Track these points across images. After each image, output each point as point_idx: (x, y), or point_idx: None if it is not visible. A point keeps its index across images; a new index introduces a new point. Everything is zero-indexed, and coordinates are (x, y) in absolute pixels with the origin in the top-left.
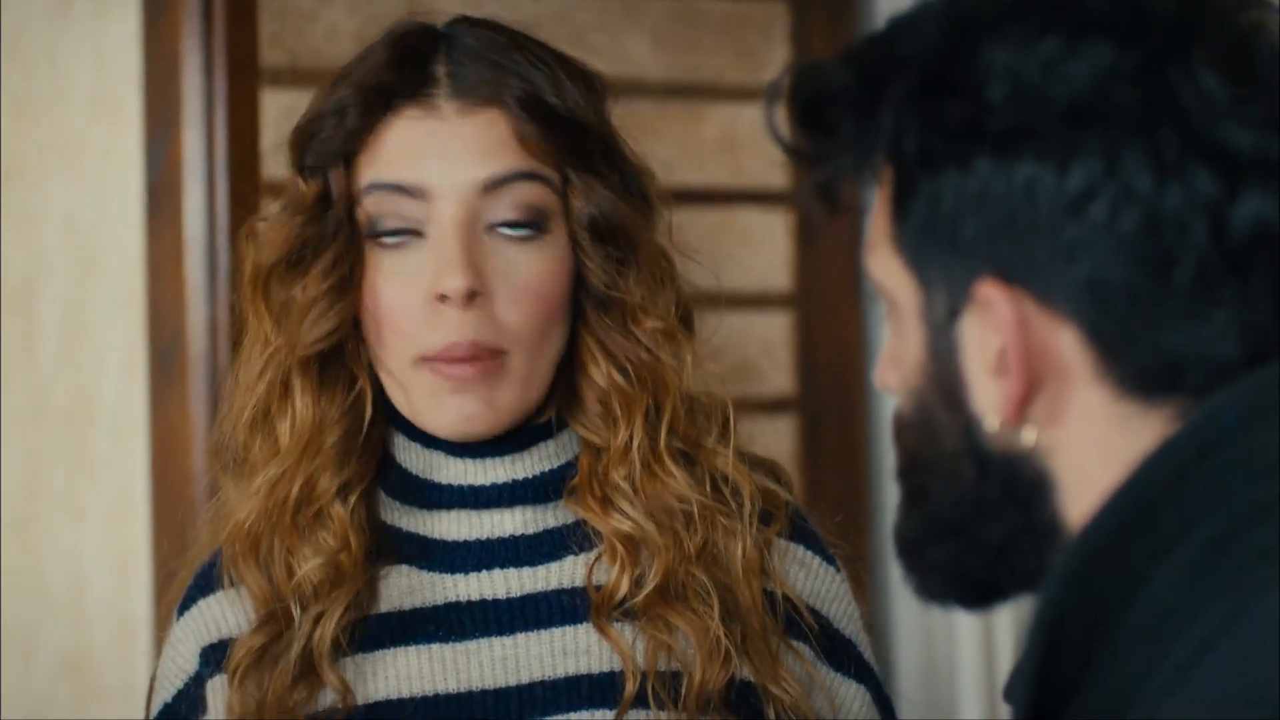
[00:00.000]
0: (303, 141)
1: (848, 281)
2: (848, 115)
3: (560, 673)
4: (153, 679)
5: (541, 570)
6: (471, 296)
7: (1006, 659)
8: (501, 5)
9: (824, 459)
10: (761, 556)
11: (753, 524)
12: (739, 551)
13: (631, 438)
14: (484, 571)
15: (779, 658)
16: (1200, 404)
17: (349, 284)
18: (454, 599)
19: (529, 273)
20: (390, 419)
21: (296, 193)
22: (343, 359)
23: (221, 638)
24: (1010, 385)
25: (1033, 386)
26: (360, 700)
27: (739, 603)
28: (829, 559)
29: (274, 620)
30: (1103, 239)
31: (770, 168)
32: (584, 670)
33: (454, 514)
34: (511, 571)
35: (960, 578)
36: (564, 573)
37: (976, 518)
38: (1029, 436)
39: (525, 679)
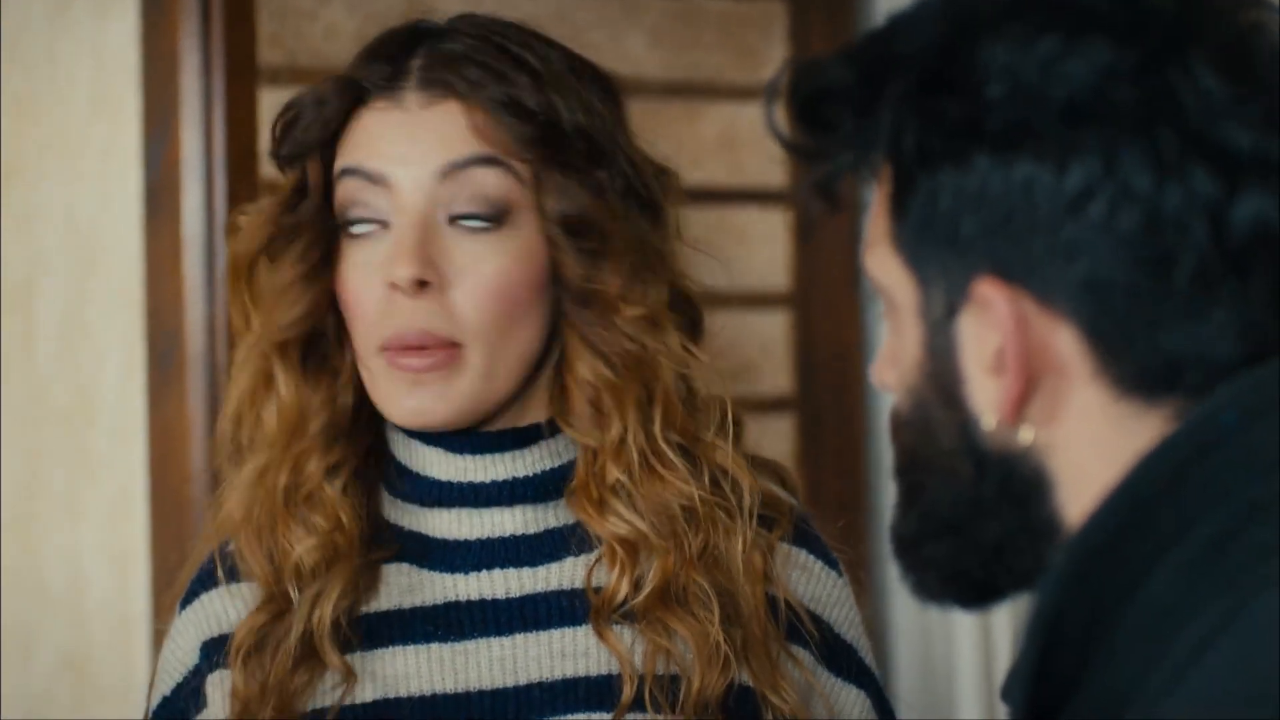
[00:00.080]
0: (282, 132)
1: (846, 281)
2: (847, 113)
3: (558, 674)
4: (153, 674)
5: (541, 571)
6: (422, 286)
7: (1004, 658)
8: (500, 4)
9: (822, 458)
10: (765, 561)
11: (752, 519)
12: (739, 549)
13: (626, 431)
14: (484, 571)
15: (779, 664)
16: (1199, 403)
17: (322, 271)
18: (453, 598)
19: (489, 266)
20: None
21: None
22: (325, 347)
23: (222, 632)
24: (1008, 384)
25: (1031, 385)
26: (359, 699)
27: (740, 607)
28: (831, 563)
29: (274, 602)
30: (1101, 238)
31: (769, 167)
32: (582, 672)
33: (454, 512)
34: (511, 572)
35: (958, 576)
36: (564, 574)
37: (974, 516)
38: (1027, 435)
39: (523, 680)
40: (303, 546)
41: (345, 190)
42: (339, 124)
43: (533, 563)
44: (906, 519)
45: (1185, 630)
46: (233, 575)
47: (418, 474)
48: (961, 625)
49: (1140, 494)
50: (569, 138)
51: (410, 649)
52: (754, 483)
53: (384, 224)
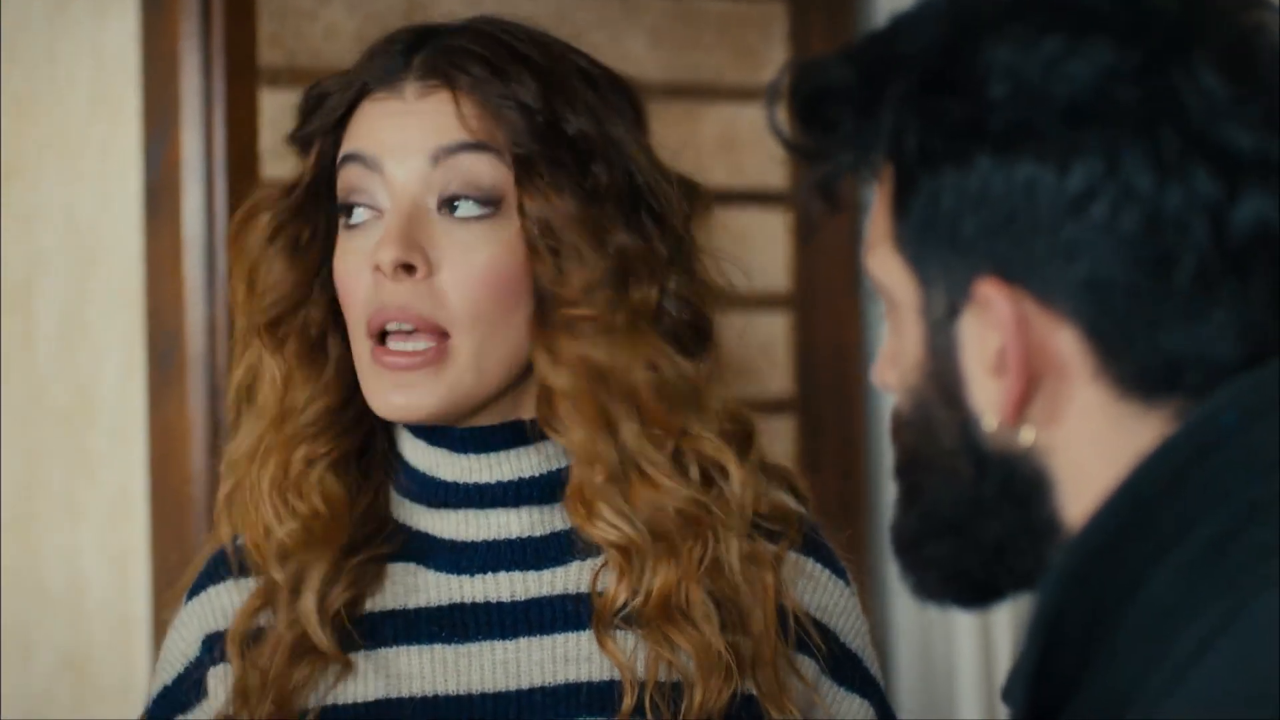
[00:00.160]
0: (297, 121)
1: (846, 282)
2: (848, 113)
3: (560, 679)
4: (156, 662)
5: (547, 575)
6: (408, 270)
7: (1004, 659)
8: (500, 4)
9: (822, 459)
10: (774, 576)
11: (745, 515)
12: (736, 551)
13: (597, 437)
14: (489, 574)
15: (784, 677)
16: (1199, 404)
17: (308, 253)
18: (458, 600)
19: (480, 255)
20: None
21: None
22: (319, 339)
23: (226, 626)
24: (1009, 384)
25: (1031, 386)
26: (360, 697)
27: (746, 617)
28: (839, 572)
29: (269, 591)
30: (1103, 239)
31: (769, 168)
32: (584, 678)
33: (461, 513)
34: (517, 575)
35: (958, 576)
36: (569, 578)
37: (974, 516)
38: (1027, 435)
39: (525, 684)
40: (283, 529)
41: (345, 177)
42: (343, 114)
43: (538, 566)
44: (907, 519)
45: (1185, 631)
46: (243, 570)
47: (425, 475)
48: (962, 625)
49: (1141, 494)
50: (566, 138)
51: (414, 649)
52: (745, 473)
53: (380, 213)
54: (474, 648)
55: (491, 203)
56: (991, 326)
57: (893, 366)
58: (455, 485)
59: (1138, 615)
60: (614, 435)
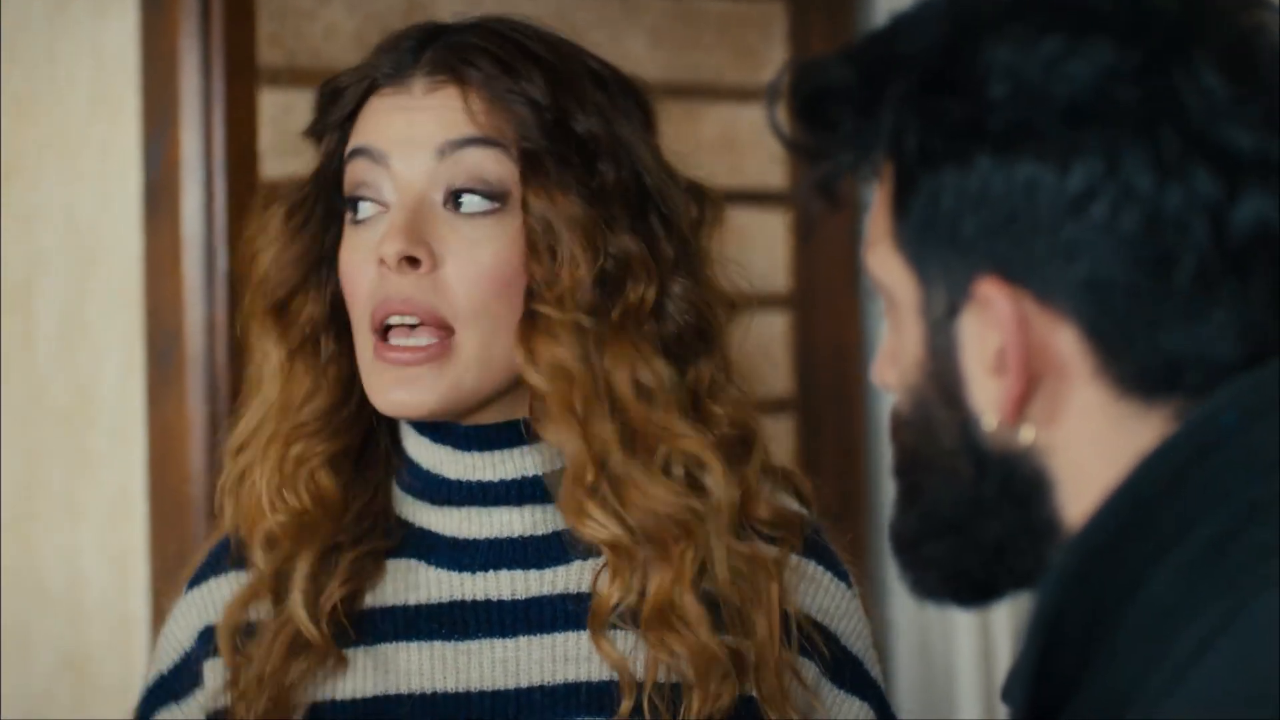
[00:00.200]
0: (310, 123)
1: (846, 282)
2: (848, 112)
3: (560, 679)
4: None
5: (548, 574)
6: (412, 264)
7: (1004, 658)
8: (500, 4)
9: (822, 459)
10: (777, 584)
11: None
12: (732, 550)
13: (580, 439)
14: (490, 571)
15: (785, 681)
16: (1199, 404)
17: (313, 246)
18: (459, 597)
19: (486, 250)
20: None
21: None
22: (317, 332)
23: (213, 622)
24: (1009, 383)
25: (1031, 385)
26: (359, 693)
27: (747, 620)
28: (841, 575)
29: (261, 584)
30: (1103, 239)
31: (769, 168)
32: (584, 677)
33: (464, 511)
34: (518, 573)
35: (958, 576)
36: (570, 577)
37: (974, 516)
38: (1027, 435)
39: (524, 683)
40: (273, 519)
41: (352, 172)
42: (353, 108)
43: (540, 565)
44: (906, 518)
45: (1185, 631)
46: (242, 562)
47: (429, 472)
48: (961, 625)
49: (1141, 494)
50: (574, 136)
51: (413, 645)
52: (730, 474)
53: (386, 207)
54: (474, 645)
55: (497, 198)
56: (991, 326)
57: (892, 365)
58: (459, 483)
59: (1138, 615)
60: (597, 437)
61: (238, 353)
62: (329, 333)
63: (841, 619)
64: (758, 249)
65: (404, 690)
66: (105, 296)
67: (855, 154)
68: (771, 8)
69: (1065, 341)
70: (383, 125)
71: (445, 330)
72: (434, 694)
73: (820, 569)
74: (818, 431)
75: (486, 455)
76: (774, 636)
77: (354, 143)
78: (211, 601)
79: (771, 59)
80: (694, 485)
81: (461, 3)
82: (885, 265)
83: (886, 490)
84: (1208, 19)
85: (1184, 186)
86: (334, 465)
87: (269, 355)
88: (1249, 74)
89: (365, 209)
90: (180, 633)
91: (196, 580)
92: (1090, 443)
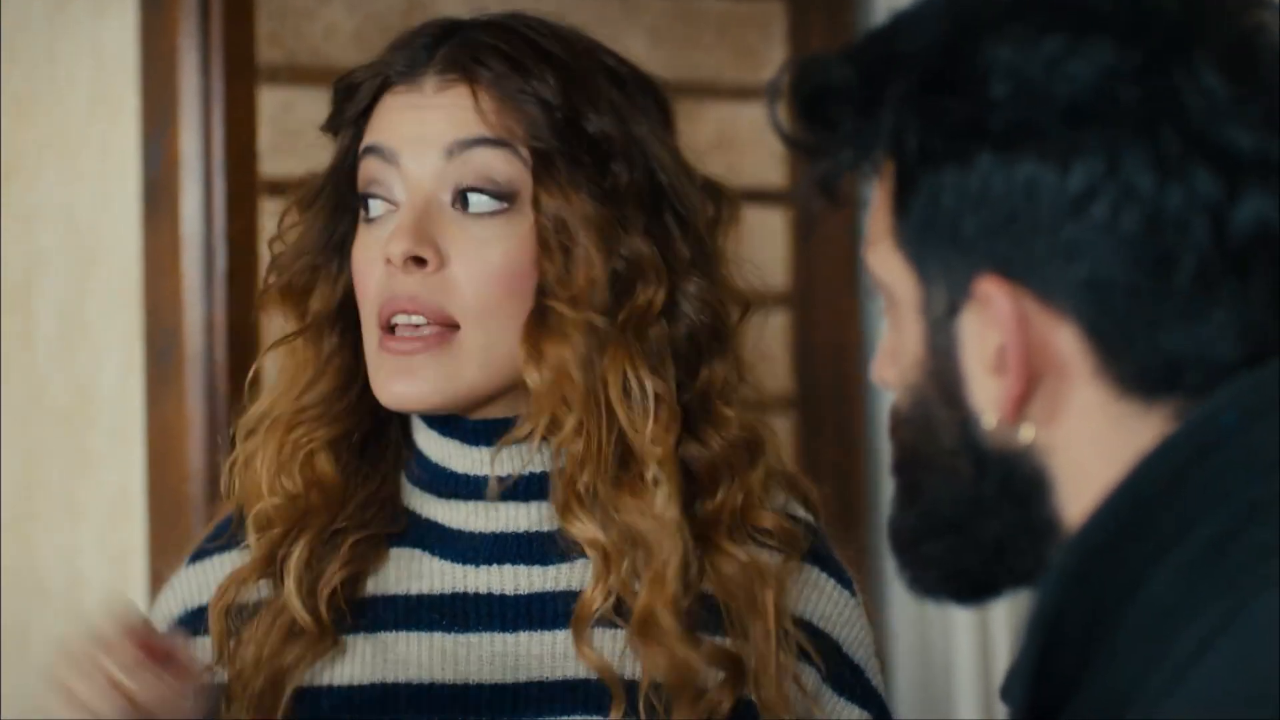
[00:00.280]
0: (327, 118)
1: (846, 280)
2: (848, 111)
3: (558, 675)
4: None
5: (551, 570)
6: (419, 263)
7: (1002, 657)
8: (500, 3)
9: (822, 458)
10: (779, 593)
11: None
12: (731, 556)
13: (581, 444)
14: (494, 565)
15: (784, 688)
16: (1199, 404)
17: (327, 236)
18: (461, 589)
19: (495, 250)
20: None
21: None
22: (327, 320)
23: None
24: (1009, 382)
25: (1031, 384)
26: (356, 680)
27: (747, 625)
28: (845, 583)
29: (258, 565)
30: (1103, 238)
31: (768, 167)
32: (582, 675)
33: (470, 504)
34: (521, 568)
35: (957, 575)
36: (574, 575)
37: (974, 515)
38: (1027, 434)
39: (523, 678)
40: (269, 501)
41: (364, 169)
42: (368, 104)
43: (543, 561)
44: (905, 516)
45: (1185, 631)
46: (242, 539)
47: (437, 465)
48: (960, 623)
49: (1140, 494)
50: (586, 136)
51: (413, 635)
52: (670, 486)
53: (397, 206)
54: (473, 638)
55: (505, 197)
56: (991, 325)
57: (892, 364)
58: (466, 477)
59: (1138, 615)
60: (589, 440)
61: (237, 351)
62: (338, 323)
63: (844, 626)
64: (757, 248)
65: (401, 679)
66: (105, 296)
67: (856, 153)
68: (771, 7)
69: (1065, 341)
70: (394, 123)
71: (450, 326)
72: (431, 684)
73: (824, 576)
74: (817, 430)
75: (494, 450)
76: (771, 643)
77: (366, 140)
78: (209, 580)
79: (771, 58)
80: (692, 491)
81: (461, 2)
82: (885, 264)
83: (886, 489)
84: (1208, 19)
85: (1184, 186)
86: (334, 451)
87: (281, 355)
88: (1249, 74)
89: (376, 207)
90: (173, 605)
91: (198, 555)
92: (1090, 442)
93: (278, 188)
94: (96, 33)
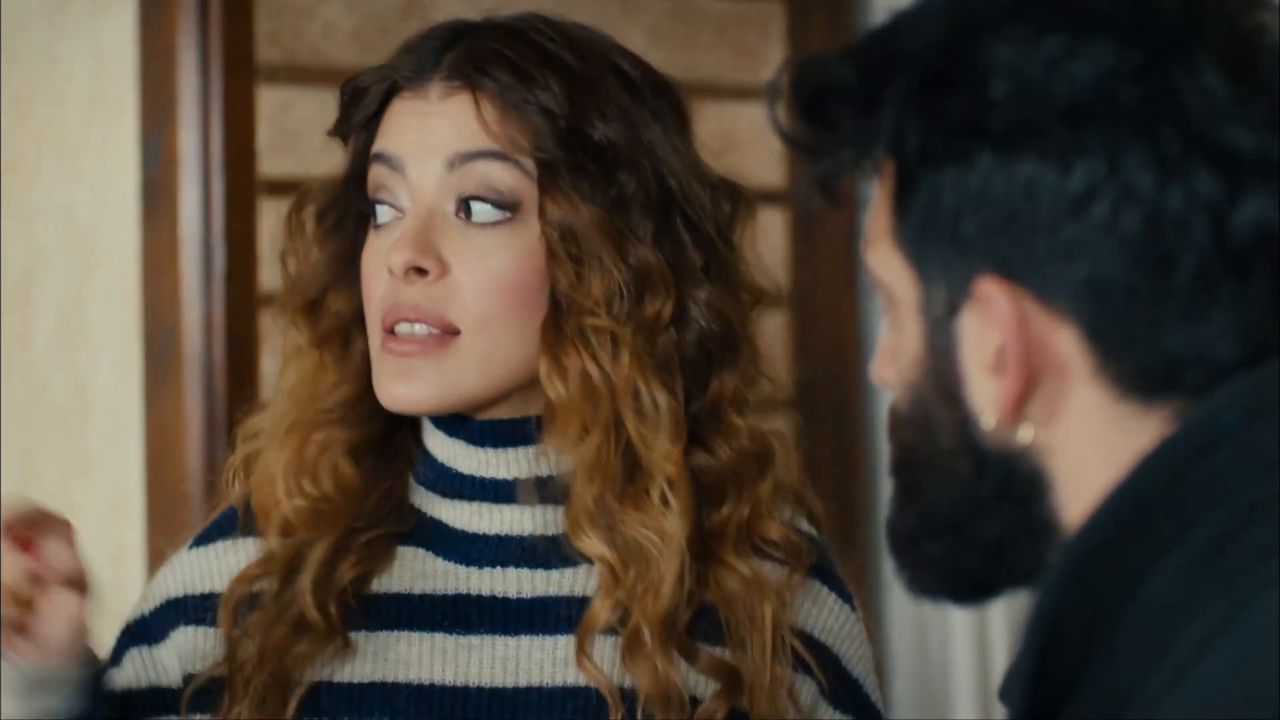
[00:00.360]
0: (335, 123)
1: (845, 281)
2: (848, 111)
3: (559, 681)
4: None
5: (555, 575)
6: (420, 273)
7: (1000, 657)
8: (500, 2)
9: (821, 458)
10: (779, 607)
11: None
12: (734, 569)
13: (590, 454)
14: (498, 568)
15: (780, 702)
16: (1199, 404)
17: (341, 245)
18: (464, 591)
19: (498, 259)
20: None
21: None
22: (346, 328)
23: (212, 589)
24: (1008, 383)
25: (1031, 384)
26: (355, 678)
27: (745, 637)
28: (845, 597)
29: (269, 561)
30: (1103, 238)
31: (767, 167)
32: (583, 682)
33: (475, 505)
34: (525, 572)
35: (956, 575)
36: (577, 580)
37: (973, 515)
38: (1026, 434)
39: (523, 682)
40: (290, 504)
41: (373, 176)
42: (375, 109)
43: (547, 565)
44: (904, 516)
45: (1185, 631)
46: (249, 532)
47: (444, 465)
48: (958, 623)
49: (1140, 494)
50: (591, 144)
51: (414, 635)
52: (683, 499)
53: (403, 213)
54: (475, 640)
55: (509, 207)
56: (991, 325)
57: (891, 363)
58: (472, 478)
59: (1138, 615)
60: (603, 452)
61: (235, 351)
62: (357, 327)
63: (844, 641)
64: (756, 247)
65: (401, 679)
66: (103, 295)
67: (856, 152)
68: (770, 7)
69: (1065, 341)
70: (400, 130)
71: (451, 332)
72: (431, 685)
73: (826, 590)
74: (817, 431)
75: (500, 452)
76: (767, 656)
77: (375, 146)
78: (211, 568)
79: (770, 58)
80: (699, 501)
81: (461, 2)
82: (885, 263)
83: (885, 488)
84: (1208, 19)
85: (1184, 187)
86: (355, 454)
87: (299, 348)
88: (1249, 74)
89: (384, 213)
90: (172, 585)
91: (203, 539)
92: (1089, 442)
93: (276, 187)
94: (96, 32)
